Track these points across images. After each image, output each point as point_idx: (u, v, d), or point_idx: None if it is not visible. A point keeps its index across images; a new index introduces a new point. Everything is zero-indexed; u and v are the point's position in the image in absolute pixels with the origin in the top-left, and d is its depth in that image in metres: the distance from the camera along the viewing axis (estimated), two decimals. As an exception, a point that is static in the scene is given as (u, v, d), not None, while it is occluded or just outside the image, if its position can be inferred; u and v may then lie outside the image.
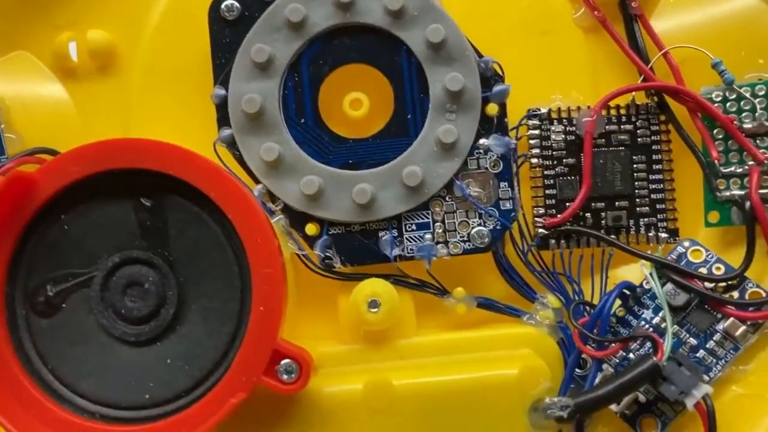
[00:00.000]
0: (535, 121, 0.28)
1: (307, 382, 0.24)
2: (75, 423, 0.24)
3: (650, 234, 0.28)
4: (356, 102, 0.28)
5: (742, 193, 0.26)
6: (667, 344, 0.25)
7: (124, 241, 0.25)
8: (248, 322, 0.24)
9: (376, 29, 0.27)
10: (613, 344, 0.25)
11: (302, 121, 0.27)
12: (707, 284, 0.26)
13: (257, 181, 0.27)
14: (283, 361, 0.24)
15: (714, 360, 0.26)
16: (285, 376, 0.24)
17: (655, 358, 0.24)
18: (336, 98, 0.28)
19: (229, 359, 0.24)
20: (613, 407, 0.25)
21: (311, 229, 0.27)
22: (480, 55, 0.27)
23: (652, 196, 0.28)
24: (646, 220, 0.28)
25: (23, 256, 0.24)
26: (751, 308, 0.25)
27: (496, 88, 0.27)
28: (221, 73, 0.27)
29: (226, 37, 0.27)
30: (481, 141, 0.27)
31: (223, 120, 0.27)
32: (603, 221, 0.28)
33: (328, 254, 0.27)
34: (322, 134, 0.27)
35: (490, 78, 0.27)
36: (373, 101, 0.28)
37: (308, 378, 0.24)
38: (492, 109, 0.27)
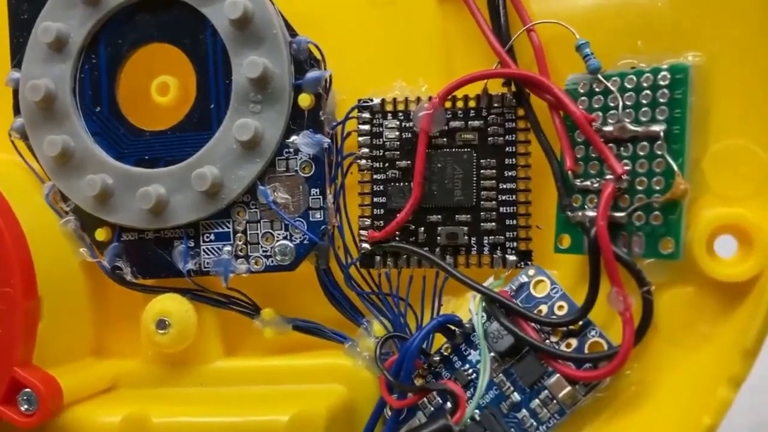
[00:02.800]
0: (366, 114, 0.23)
1: (47, 415, 0.21)
2: None
3: (495, 256, 0.23)
4: (163, 86, 0.24)
5: (592, 215, 0.20)
6: (473, 403, 0.20)
7: None
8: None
9: (180, 3, 0.23)
10: (412, 394, 0.21)
11: (98, 109, 0.24)
12: (544, 327, 0.21)
13: (49, 178, 0.24)
14: (23, 391, 0.21)
15: (535, 424, 0.21)
16: (25, 407, 0.21)
17: (449, 419, 0.20)
18: (143, 83, 0.24)
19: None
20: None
21: (101, 234, 0.24)
22: (293, 34, 0.23)
23: (501, 209, 0.23)
24: (491, 238, 0.23)
25: None
26: (586, 365, 0.20)
27: (310, 74, 0.23)
28: (18, 54, 0.24)
29: (24, 12, 0.24)
30: (291, 138, 0.23)
31: (17, 107, 0.24)
32: (438, 237, 0.23)
33: (117, 264, 0.24)
34: (118, 125, 0.24)
35: (303, 62, 0.23)
36: (183, 87, 0.24)
37: (48, 411, 0.21)
38: (304, 100, 0.23)
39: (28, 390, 0.21)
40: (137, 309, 0.24)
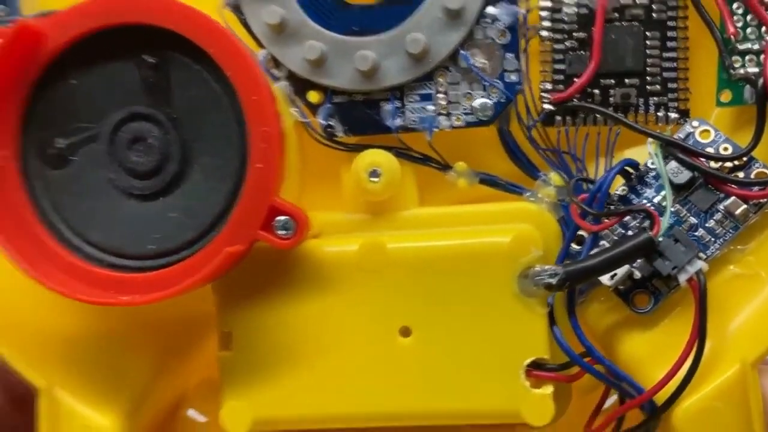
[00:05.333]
0: (549, -7, 0.27)
1: (302, 238, 0.24)
2: (84, 268, 0.25)
3: (659, 114, 0.27)
4: (364, -32, 0.27)
5: (757, 70, 0.25)
6: (664, 219, 0.25)
7: (129, 98, 0.25)
8: (246, 179, 0.24)
9: None
10: (609, 218, 0.25)
11: (310, -16, 0.27)
12: (712, 163, 0.25)
13: (261, 47, 0.27)
14: (280, 218, 0.24)
15: (712, 239, 0.25)
16: (281, 232, 0.24)
17: (650, 233, 0.24)
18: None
19: (229, 214, 0.24)
20: (607, 283, 0.25)
21: (314, 96, 0.27)
22: None
23: (663, 74, 0.27)
24: (656, 99, 0.27)
25: (35, 109, 0.25)
26: (755, 188, 0.25)
27: (506, -44, 0.26)
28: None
29: None
30: (489, 9, 0.26)
31: (230, -15, 0.27)
32: (611, 98, 0.27)
33: (330, 122, 0.27)
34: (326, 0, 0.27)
35: (499, -53, 0.26)
36: (383, -31, 0.27)
37: (303, 235, 0.24)
38: (500, -23, 0.26)
39: (284, 217, 0.24)
40: (333, 168, 0.28)
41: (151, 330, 0.27)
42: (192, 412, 0.30)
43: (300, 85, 0.27)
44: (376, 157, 0.27)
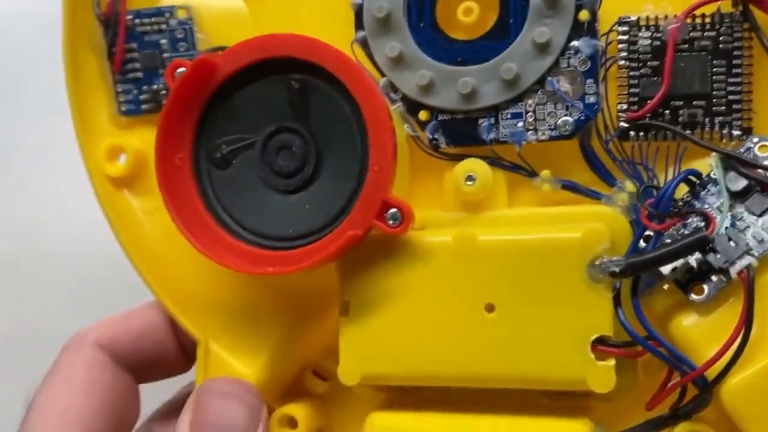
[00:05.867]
0: (625, 28, 0.32)
1: (407, 227, 0.30)
2: (240, 247, 0.32)
3: (724, 131, 0.31)
4: (468, 10, 0.33)
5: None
6: (719, 220, 0.28)
7: (278, 114, 0.32)
8: (365, 179, 0.30)
9: (488, -53, 0.32)
10: (671, 219, 0.29)
11: (421, 25, 0.33)
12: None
13: (383, 75, 0.33)
14: (390, 210, 0.30)
15: (764, 239, 0.29)
16: (391, 222, 0.30)
17: (705, 232, 0.28)
18: (451, 7, 0.33)
19: (351, 206, 0.31)
20: (668, 274, 0.29)
21: (423, 115, 0.33)
22: (576, -30, 0.31)
23: (729, 97, 0.31)
24: (720, 118, 0.31)
25: (206, 123, 0.33)
26: (806, 195, 0.28)
27: (588, -3, 0.31)
28: (359, -15, 0.34)
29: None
30: (573, 42, 0.31)
31: (358, 24, 0.34)
32: (680, 118, 0.31)
33: (435, 136, 0.33)
34: (437, 37, 0.33)
35: (582, -12, 0.31)
36: (481, 9, 0.33)
37: (408, 224, 0.30)
38: (584, 15, 0.31)
39: (393, 210, 0.30)
40: (437, 174, 0.33)
41: (287, 298, 0.34)
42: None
43: (412, 106, 0.33)
44: (472, 165, 0.32)
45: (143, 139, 0.35)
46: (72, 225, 0.53)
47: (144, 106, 0.36)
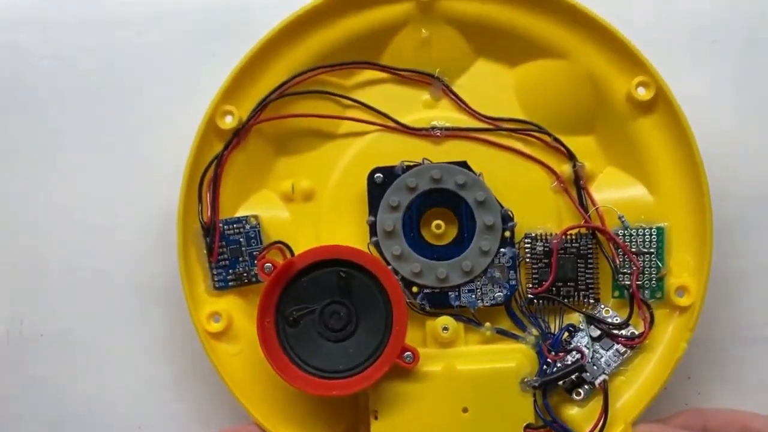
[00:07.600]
0: (529, 240, 0.55)
1: (416, 364, 0.51)
2: (309, 378, 0.51)
3: (585, 301, 0.55)
4: (438, 226, 0.55)
5: (629, 283, 0.53)
6: (587, 354, 0.52)
7: (330, 293, 0.52)
8: (390, 334, 0.51)
9: (450, 191, 0.55)
10: (559, 353, 0.53)
11: (411, 234, 0.55)
12: (610, 327, 0.53)
13: (389, 265, 0.54)
14: (406, 353, 0.51)
15: (612, 363, 0.53)
16: (407, 359, 0.51)
17: (581, 361, 0.51)
18: (429, 224, 0.56)
19: (380, 351, 0.51)
20: (561, 385, 0.52)
21: (415, 289, 0.54)
22: (502, 207, 0.55)
23: (587, 281, 0.55)
24: (583, 293, 0.55)
25: (284, 298, 0.52)
26: (626, 339, 0.53)
27: (509, 223, 0.55)
28: (372, 208, 0.55)
29: (375, 190, 0.55)
30: (502, 249, 0.55)
31: (372, 233, 0.55)
32: (561, 292, 0.55)
33: (422, 302, 0.54)
34: (422, 242, 0.55)
35: (505, 217, 0.55)
36: (447, 227, 0.55)
37: (417, 361, 0.51)
38: (507, 233, 0.55)
39: (408, 352, 0.51)
40: (421, 324, 0.55)
41: (335, 407, 0.53)
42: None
43: (408, 284, 0.54)
44: (446, 320, 0.54)
45: (230, 305, 0.54)
46: (72, 225, 0.55)
47: (230, 283, 0.55)
